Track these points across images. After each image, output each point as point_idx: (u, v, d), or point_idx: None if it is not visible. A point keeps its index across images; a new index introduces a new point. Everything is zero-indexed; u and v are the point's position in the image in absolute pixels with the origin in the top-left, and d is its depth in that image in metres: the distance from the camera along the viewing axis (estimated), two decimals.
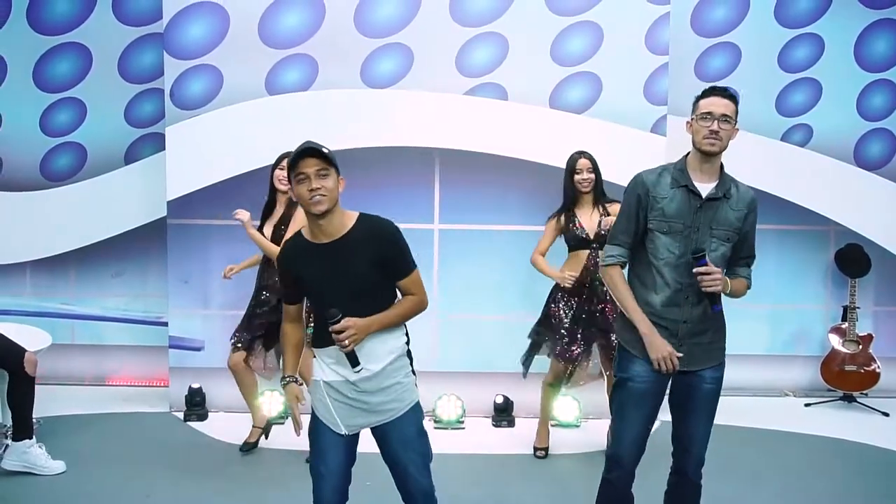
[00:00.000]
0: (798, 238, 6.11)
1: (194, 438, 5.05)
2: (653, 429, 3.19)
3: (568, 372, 4.71)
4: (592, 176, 4.57)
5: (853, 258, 5.97)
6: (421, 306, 2.89)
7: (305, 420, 2.94)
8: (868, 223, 6.08)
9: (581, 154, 4.63)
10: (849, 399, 5.92)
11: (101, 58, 5.82)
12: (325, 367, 2.87)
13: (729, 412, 5.61)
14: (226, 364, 4.71)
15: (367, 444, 2.97)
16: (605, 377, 4.69)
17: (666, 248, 3.03)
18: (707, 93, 3.07)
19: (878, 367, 5.84)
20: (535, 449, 4.85)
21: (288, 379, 2.97)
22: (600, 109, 5.36)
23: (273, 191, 4.60)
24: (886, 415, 5.71)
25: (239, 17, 5.30)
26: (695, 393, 3.12)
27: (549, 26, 5.35)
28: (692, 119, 3.08)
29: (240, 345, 4.66)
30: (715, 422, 5.42)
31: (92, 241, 5.96)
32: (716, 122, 2.99)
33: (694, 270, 2.95)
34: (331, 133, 5.32)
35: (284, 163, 4.51)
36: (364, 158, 5.36)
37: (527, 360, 4.85)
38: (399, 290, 2.88)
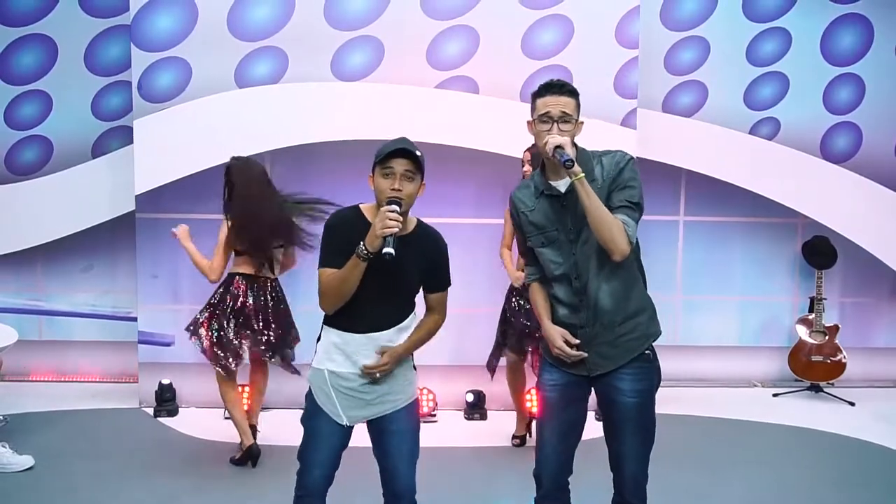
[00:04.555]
0: (766, 230, 6.17)
1: (165, 435, 5.00)
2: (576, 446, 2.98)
3: (523, 361, 4.85)
4: (529, 169, 4.58)
5: (820, 250, 6.03)
6: (439, 326, 3.00)
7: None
8: (834, 215, 6.14)
9: (530, 147, 4.66)
10: (816, 389, 5.99)
11: (66, 50, 5.72)
12: (333, 353, 2.85)
13: (698, 403, 5.69)
14: (196, 359, 4.67)
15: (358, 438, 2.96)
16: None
17: (550, 260, 2.90)
18: (543, 90, 2.84)
19: (844, 357, 5.91)
20: (513, 437, 4.91)
21: (364, 248, 2.68)
22: None
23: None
24: (852, 404, 5.79)
25: (208, 8, 5.24)
26: (616, 408, 2.89)
27: (520, 19, 5.35)
28: (533, 120, 2.85)
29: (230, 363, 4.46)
30: (684, 412, 5.46)
31: (59, 236, 5.85)
32: (555, 124, 2.78)
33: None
34: (300, 126, 5.31)
35: None
36: (334, 152, 5.33)
37: (490, 363, 4.94)
38: (426, 302, 2.96)
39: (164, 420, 5.23)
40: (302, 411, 2.95)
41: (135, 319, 5.56)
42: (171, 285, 5.44)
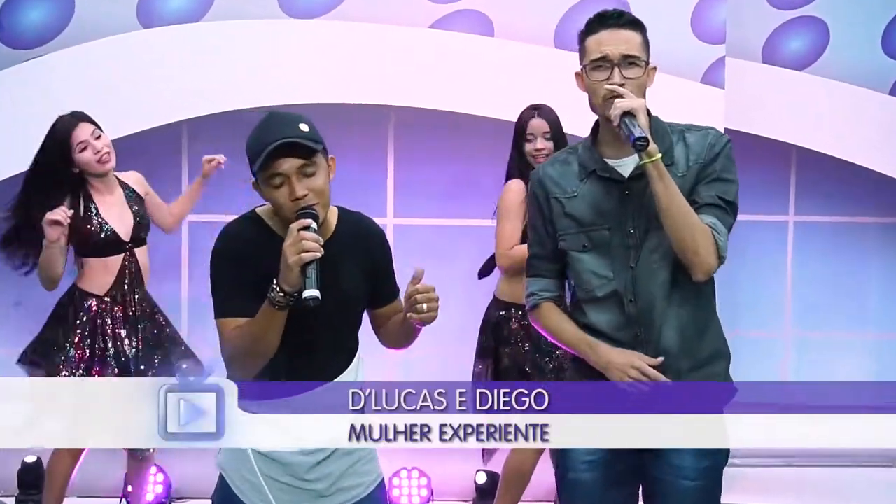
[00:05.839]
0: None
1: None
2: None
3: None
4: (550, 145, 4.56)
5: None
6: None
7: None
8: None
9: (535, 111, 4.65)
10: None
11: None
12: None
13: (817, 489, 5.65)
14: None
15: None
16: None
17: (593, 272, 2.92)
18: (594, 26, 2.90)
19: None
20: None
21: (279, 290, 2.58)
22: None
23: (63, 172, 4.58)
24: None
25: None
26: (668, 492, 2.95)
27: None
28: (582, 70, 2.92)
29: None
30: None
31: None
32: (615, 70, 2.83)
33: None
34: (232, 84, 5.31)
35: (84, 131, 4.52)
36: None
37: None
38: (377, 318, 3.00)
39: None
40: None
41: None
42: (42, 316, 5.39)
